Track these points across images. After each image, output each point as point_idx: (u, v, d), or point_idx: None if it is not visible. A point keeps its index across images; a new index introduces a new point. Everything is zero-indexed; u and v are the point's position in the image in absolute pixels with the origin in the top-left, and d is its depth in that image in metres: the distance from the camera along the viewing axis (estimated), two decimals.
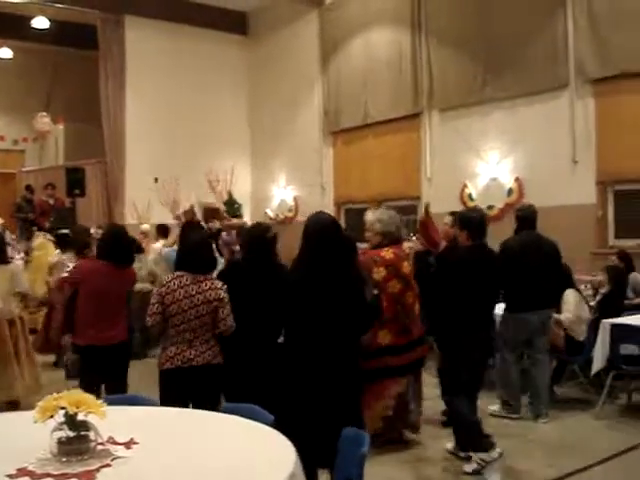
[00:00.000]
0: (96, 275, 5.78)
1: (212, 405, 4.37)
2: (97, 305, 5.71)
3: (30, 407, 5.37)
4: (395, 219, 6.01)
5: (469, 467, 5.34)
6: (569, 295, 7.54)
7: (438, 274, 5.51)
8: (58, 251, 9.50)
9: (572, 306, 7.45)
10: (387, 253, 5.76)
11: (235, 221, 11.61)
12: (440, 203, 10.51)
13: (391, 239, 5.86)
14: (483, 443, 5.32)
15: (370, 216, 6.08)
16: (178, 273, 4.91)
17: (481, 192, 11.29)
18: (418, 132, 12.35)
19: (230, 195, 13.87)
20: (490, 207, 10.79)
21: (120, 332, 5.87)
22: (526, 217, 7.05)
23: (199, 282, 4.85)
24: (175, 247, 8.21)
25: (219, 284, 4.93)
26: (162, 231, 11.11)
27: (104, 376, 5.70)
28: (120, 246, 5.92)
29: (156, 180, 13.78)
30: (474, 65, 11.30)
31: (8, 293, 7.17)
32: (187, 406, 4.51)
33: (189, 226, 7.63)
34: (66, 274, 6.44)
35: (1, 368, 7.15)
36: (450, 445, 5.71)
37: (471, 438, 5.40)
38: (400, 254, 5.82)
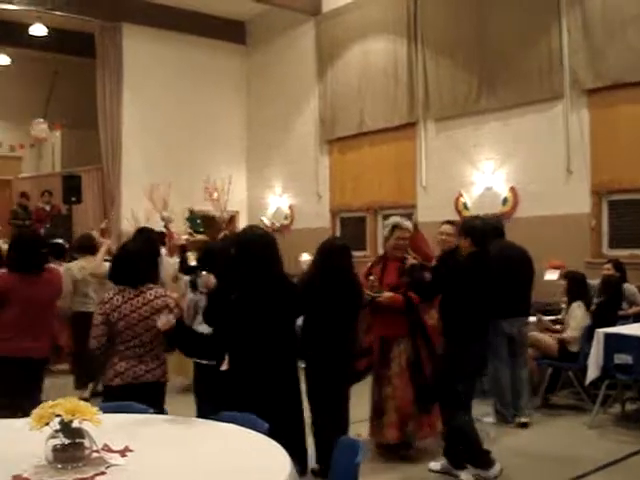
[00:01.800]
0: (12, 286, 5.44)
1: None
2: (17, 316, 5.40)
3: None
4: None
5: (465, 476, 5.35)
6: (576, 310, 7.57)
7: (437, 282, 5.52)
8: None
9: (576, 323, 7.49)
10: None
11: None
12: (435, 212, 10.59)
13: None
14: (483, 459, 5.31)
15: (409, 224, 6.14)
16: (120, 287, 4.70)
17: (476, 201, 11.33)
18: (414, 141, 12.39)
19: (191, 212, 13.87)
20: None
21: (42, 344, 5.58)
22: (496, 227, 7.18)
23: (143, 293, 4.66)
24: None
25: (162, 291, 4.79)
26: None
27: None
28: (26, 254, 5.53)
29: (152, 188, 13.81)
30: (469, 75, 11.36)
31: None
32: None
33: (139, 232, 7.51)
34: None
35: None
36: (436, 465, 5.58)
37: (472, 454, 5.35)
38: None
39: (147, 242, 6.80)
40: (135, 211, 13.47)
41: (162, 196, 11.42)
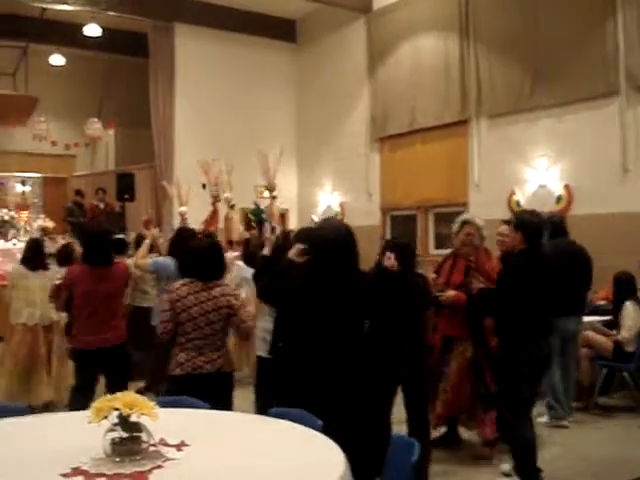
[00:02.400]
0: (83, 279, 5.78)
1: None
2: (89, 308, 5.72)
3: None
4: None
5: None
6: (629, 309, 7.42)
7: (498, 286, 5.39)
8: None
9: (632, 321, 7.35)
10: None
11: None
12: (487, 210, 10.44)
13: None
14: (532, 476, 5.16)
15: (478, 220, 6.04)
16: (189, 280, 4.84)
17: (529, 199, 11.16)
18: (466, 138, 12.28)
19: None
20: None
21: (114, 335, 5.87)
22: (555, 225, 7.07)
23: (210, 288, 4.78)
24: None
25: (231, 290, 4.89)
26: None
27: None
28: (100, 249, 5.88)
29: (204, 186, 13.86)
30: (523, 71, 11.21)
31: (46, 299, 7.34)
32: None
33: (185, 231, 7.54)
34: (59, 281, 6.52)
35: (33, 373, 7.32)
36: (507, 467, 5.47)
37: (523, 466, 5.17)
38: None
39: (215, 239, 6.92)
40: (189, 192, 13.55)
41: (216, 176, 11.35)
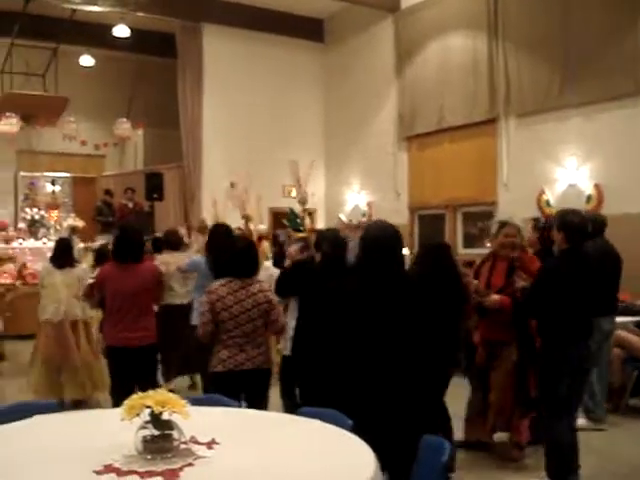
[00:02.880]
0: (114, 277, 5.87)
1: (260, 409, 4.45)
2: (120, 306, 5.82)
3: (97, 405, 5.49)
4: None
5: None
6: None
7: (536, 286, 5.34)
8: None
9: None
10: None
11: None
12: (516, 209, 10.36)
13: None
14: (564, 478, 5.06)
15: (518, 222, 5.99)
16: (226, 279, 4.93)
17: (559, 198, 11.07)
18: (494, 137, 12.22)
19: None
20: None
21: (145, 332, 5.93)
22: (596, 224, 6.98)
23: (248, 286, 4.89)
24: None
25: (267, 286, 5.00)
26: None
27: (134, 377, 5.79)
28: (131, 247, 5.95)
29: (232, 185, 13.94)
30: (552, 69, 11.12)
31: (73, 296, 7.42)
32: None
33: (220, 227, 7.54)
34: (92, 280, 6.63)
35: (62, 370, 7.41)
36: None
37: (560, 471, 5.06)
38: None
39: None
40: (215, 208, 13.63)
41: (240, 196, 11.46)
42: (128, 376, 5.76)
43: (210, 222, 12.15)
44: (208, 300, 4.85)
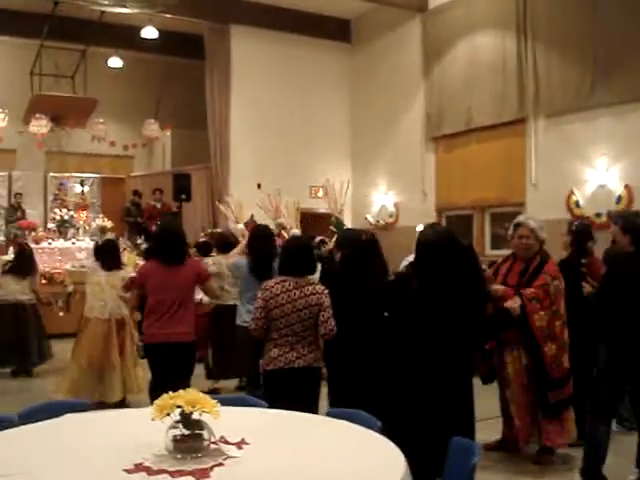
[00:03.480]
0: (156, 275, 5.94)
1: (310, 407, 4.46)
2: (160, 304, 5.88)
3: (137, 404, 5.53)
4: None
5: None
6: None
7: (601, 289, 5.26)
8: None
9: None
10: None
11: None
12: (545, 210, 10.31)
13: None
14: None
15: (532, 222, 5.80)
16: (281, 277, 4.98)
17: (588, 199, 10.97)
18: (523, 137, 12.12)
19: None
20: (598, 215, 10.50)
21: (184, 331, 5.97)
22: None
23: (301, 287, 4.92)
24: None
25: (320, 288, 4.99)
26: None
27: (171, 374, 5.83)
28: (171, 245, 6.01)
29: (259, 186, 13.98)
30: (582, 69, 11.01)
31: (119, 297, 7.50)
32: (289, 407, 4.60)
33: (259, 230, 7.54)
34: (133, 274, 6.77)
35: (109, 370, 7.46)
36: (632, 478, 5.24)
37: (588, 469, 5.06)
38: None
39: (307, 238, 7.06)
40: (243, 209, 13.65)
41: (275, 203, 11.49)
42: (167, 373, 5.81)
43: (233, 224, 12.23)
44: (262, 297, 4.91)
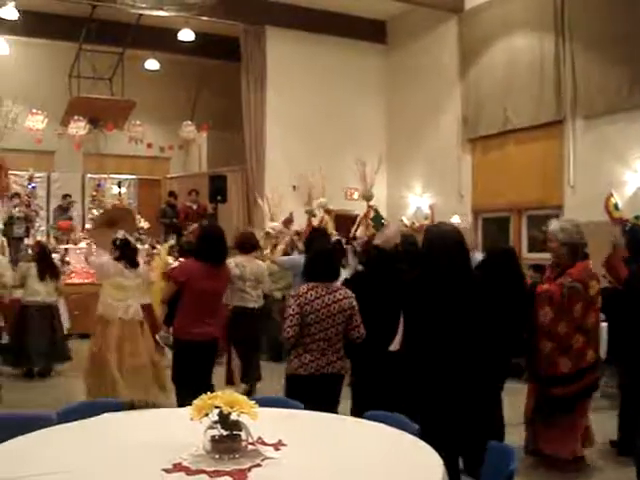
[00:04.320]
0: (197, 275, 6.05)
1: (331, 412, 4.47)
2: (199, 303, 6.01)
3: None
4: (580, 231, 5.61)
5: None
6: None
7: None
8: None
9: None
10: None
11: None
12: (583, 212, 10.17)
13: (575, 252, 5.51)
14: None
15: (554, 225, 5.72)
16: (313, 284, 5.02)
17: (628, 201, 10.81)
18: (561, 139, 11.99)
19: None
20: (637, 217, 10.34)
21: (216, 329, 6.21)
22: None
23: (333, 292, 4.99)
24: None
25: (350, 293, 5.07)
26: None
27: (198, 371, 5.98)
28: (214, 246, 6.16)
29: (294, 188, 14.00)
30: (621, 70, 10.87)
31: (138, 295, 7.60)
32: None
33: (316, 231, 7.54)
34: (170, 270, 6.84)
35: (130, 369, 7.45)
36: None
37: None
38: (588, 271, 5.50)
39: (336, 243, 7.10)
40: (278, 211, 13.70)
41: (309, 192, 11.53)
42: (196, 370, 5.95)
43: (268, 222, 12.27)
44: (296, 303, 4.94)
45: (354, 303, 5.03)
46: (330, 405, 4.81)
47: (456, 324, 4.28)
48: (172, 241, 11.72)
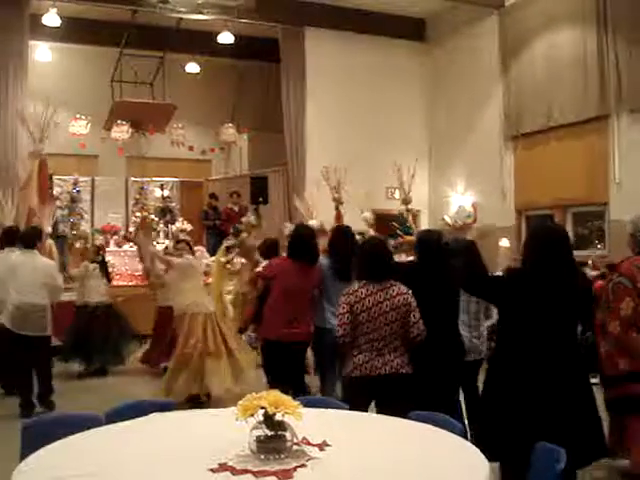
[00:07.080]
0: (287, 273, 6.10)
1: (398, 415, 4.33)
2: (287, 302, 6.04)
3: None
4: None
5: None
6: None
7: None
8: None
9: None
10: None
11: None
12: (630, 209, 9.94)
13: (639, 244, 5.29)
14: None
15: (634, 216, 5.52)
16: (364, 281, 4.89)
17: None
18: (605, 135, 11.79)
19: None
20: None
21: (305, 330, 6.18)
22: None
23: (386, 288, 4.83)
24: None
25: (405, 289, 4.89)
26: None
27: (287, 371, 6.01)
28: (308, 247, 6.22)
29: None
30: None
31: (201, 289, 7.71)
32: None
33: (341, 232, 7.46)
34: (260, 269, 6.90)
35: (213, 365, 7.53)
36: None
37: None
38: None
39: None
40: (318, 212, 13.72)
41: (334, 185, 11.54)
42: (284, 370, 6.02)
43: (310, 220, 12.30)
44: (346, 301, 4.82)
45: (410, 299, 4.84)
46: (391, 406, 4.43)
47: (561, 320, 4.16)
48: (230, 241, 11.77)
